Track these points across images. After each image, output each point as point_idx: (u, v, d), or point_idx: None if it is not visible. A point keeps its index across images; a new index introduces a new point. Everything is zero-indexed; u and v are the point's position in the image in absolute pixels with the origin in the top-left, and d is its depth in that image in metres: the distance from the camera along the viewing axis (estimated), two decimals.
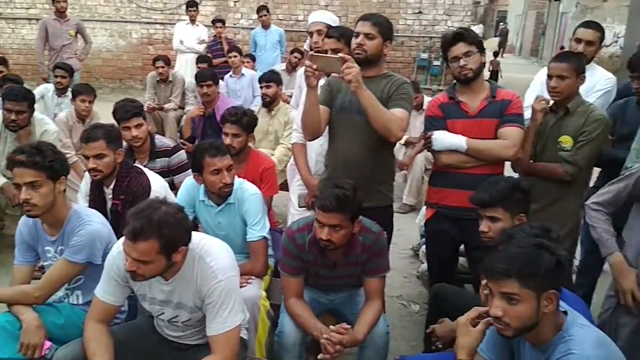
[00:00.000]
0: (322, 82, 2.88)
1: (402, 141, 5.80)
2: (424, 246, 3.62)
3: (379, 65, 2.77)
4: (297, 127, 3.18)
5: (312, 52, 2.56)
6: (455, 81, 2.88)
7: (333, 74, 2.67)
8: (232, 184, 2.73)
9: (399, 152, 5.88)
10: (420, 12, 10.28)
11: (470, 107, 2.79)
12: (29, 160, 2.21)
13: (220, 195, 2.76)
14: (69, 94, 5.43)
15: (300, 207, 3.25)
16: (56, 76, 5.41)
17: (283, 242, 2.53)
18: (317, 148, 3.12)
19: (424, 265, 3.52)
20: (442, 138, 2.80)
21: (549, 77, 2.85)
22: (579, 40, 3.36)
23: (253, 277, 2.74)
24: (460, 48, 2.72)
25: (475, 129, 2.77)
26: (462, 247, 3.01)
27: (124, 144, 3.19)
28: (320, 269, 2.53)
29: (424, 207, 3.34)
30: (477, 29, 34.27)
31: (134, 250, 1.91)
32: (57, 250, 2.40)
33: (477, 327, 1.87)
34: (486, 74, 14.14)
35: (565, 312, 1.76)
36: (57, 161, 2.29)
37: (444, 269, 3.03)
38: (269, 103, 4.85)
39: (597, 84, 3.35)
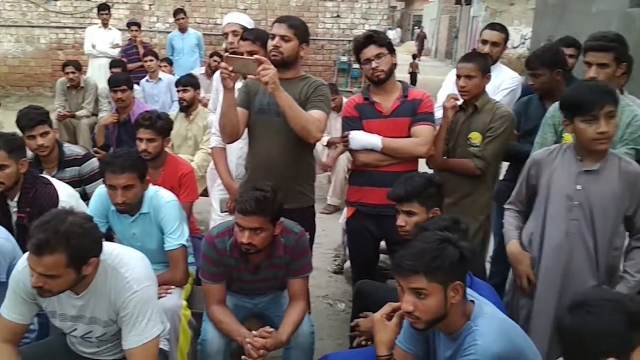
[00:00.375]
0: (239, 84, 2.87)
1: (324, 142, 5.87)
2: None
3: (296, 67, 2.78)
4: (215, 130, 3.13)
5: (227, 53, 2.53)
6: (369, 82, 2.94)
7: (249, 76, 2.65)
8: (125, 204, 2.59)
9: (322, 153, 5.94)
10: (338, 16, 10.46)
11: (384, 107, 2.87)
12: None
13: (119, 211, 2.66)
14: None
15: (222, 212, 3.20)
16: None
17: (203, 248, 2.47)
18: (237, 151, 3.09)
19: (348, 263, 3.56)
20: (359, 138, 2.86)
21: (458, 77, 2.98)
22: (485, 42, 3.54)
23: (173, 286, 2.66)
24: (371, 50, 2.79)
25: (390, 128, 2.85)
26: (383, 243, 3.09)
27: (30, 153, 3.02)
28: (242, 274, 2.50)
29: (345, 209, 3.39)
30: (395, 32, 35.37)
31: (39, 265, 1.79)
32: None
33: (392, 320, 1.92)
34: (406, 75, 14.74)
35: (472, 301, 1.84)
36: None
37: (367, 266, 3.09)
38: (187, 107, 4.75)
39: (503, 83, 3.53)
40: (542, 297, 2.29)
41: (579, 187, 2.21)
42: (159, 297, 2.46)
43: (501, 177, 3.43)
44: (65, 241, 1.79)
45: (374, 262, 3.15)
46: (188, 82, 4.78)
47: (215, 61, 6.77)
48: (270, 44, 2.70)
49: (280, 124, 2.65)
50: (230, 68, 2.46)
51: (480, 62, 2.95)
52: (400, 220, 2.40)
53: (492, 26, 3.65)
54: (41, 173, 2.98)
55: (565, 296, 2.23)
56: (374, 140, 2.83)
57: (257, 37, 2.95)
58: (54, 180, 2.85)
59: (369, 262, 3.11)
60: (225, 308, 2.47)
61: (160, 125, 3.17)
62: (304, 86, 2.75)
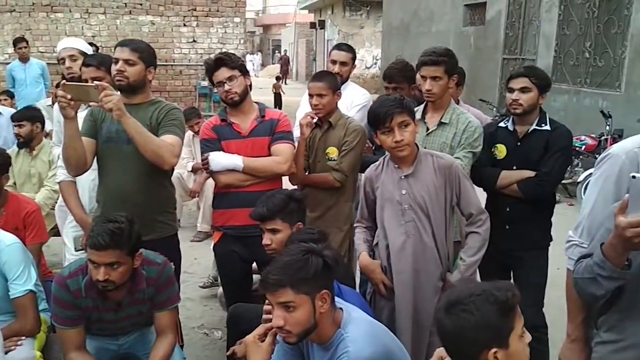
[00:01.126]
0: (84, 112, 2.70)
1: (189, 168, 5.75)
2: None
3: (144, 92, 2.69)
4: (62, 164, 2.92)
5: (64, 81, 2.37)
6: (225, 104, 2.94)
7: (92, 104, 2.50)
8: None
9: (189, 179, 5.80)
10: (194, 41, 10.35)
11: (242, 128, 2.88)
12: None
13: None
14: None
15: (77, 250, 2.98)
16: None
17: (54, 292, 2.26)
18: (89, 183, 2.90)
19: (221, 289, 3.48)
20: (218, 159, 2.83)
21: (310, 95, 3.09)
22: (334, 62, 3.70)
23: (23, 337, 2.41)
24: (223, 73, 2.79)
25: (249, 148, 2.86)
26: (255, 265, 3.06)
27: None
28: (103, 314, 2.33)
29: (214, 232, 3.31)
30: (257, 57, 35.65)
31: None
32: None
33: (265, 341, 1.90)
34: (270, 98, 14.99)
35: (341, 309, 1.88)
36: None
37: (239, 289, 3.04)
38: (26, 143, 4.35)
39: (355, 100, 3.71)
40: (399, 296, 2.41)
41: (403, 191, 2.37)
42: (8, 351, 2.22)
43: None
44: None
45: (246, 286, 3.10)
46: (23, 116, 4.37)
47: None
48: (114, 68, 2.59)
49: (131, 151, 2.54)
50: (69, 96, 2.31)
51: (329, 81, 3.08)
52: (266, 239, 2.40)
53: (339, 47, 3.83)
54: None
55: (419, 291, 2.38)
56: (235, 160, 2.82)
57: (100, 62, 2.82)
58: None
59: (241, 285, 3.05)
60: (86, 353, 2.29)
61: None
62: (154, 111, 2.66)
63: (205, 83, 10.27)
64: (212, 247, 3.09)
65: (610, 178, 1.74)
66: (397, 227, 2.39)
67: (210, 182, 5.46)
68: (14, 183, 4.28)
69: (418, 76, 2.82)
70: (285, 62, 28.89)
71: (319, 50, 26.13)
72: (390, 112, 2.25)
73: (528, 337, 1.41)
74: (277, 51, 37.43)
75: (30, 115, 4.39)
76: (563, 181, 5.95)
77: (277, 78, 18.38)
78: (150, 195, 2.66)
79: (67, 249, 3.11)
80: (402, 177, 2.38)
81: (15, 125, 4.35)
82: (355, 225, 2.67)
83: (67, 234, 3.10)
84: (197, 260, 4.91)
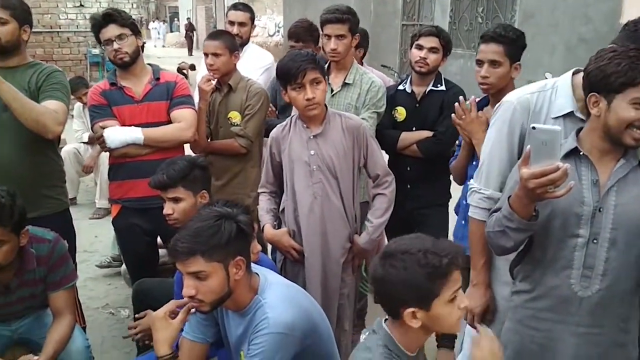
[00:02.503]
0: None
1: (84, 139, 5.38)
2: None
3: (20, 54, 2.46)
4: None
5: None
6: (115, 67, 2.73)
7: None
8: None
9: (86, 153, 5.44)
10: (82, 5, 9.59)
11: (134, 92, 2.71)
12: None
13: None
14: None
15: None
16: None
17: None
18: None
19: (125, 266, 3.31)
20: (115, 135, 2.64)
21: (205, 55, 2.95)
22: (232, 23, 3.57)
23: None
24: (112, 30, 2.60)
25: (144, 113, 2.70)
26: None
27: None
28: None
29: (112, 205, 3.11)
30: (162, 25, 33.85)
31: None
32: None
33: (176, 318, 1.80)
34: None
35: (257, 274, 1.83)
36: None
37: (143, 264, 2.91)
38: None
39: (257, 62, 3.61)
40: (309, 259, 2.38)
41: (312, 152, 2.33)
42: None
43: None
44: None
45: (151, 260, 2.96)
46: None
47: None
48: None
49: (9, 119, 2.32)
50: None
51: (225, 40, 2.96)
52: (167, 209, 2.27)
53: (235, 6, 3.69)
54: None
55: (328, 253, 2.37)
56: (134, 133, 2.64)
57: None
58: None
59: (145, 260, 2.91)
60: None
61: None
62: (33, 74, 2.44)
63: (97, 51, 9.61)
64: (111, 221, 2.91)
65: (504, 124, 1.82)
66: (305, 188, 2.34)
67: (105, 155, 5.16)
68: None
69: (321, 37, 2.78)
70: (190, 30, 27.13)
71: (219, 18, 25.30)
72: (302, 68, 2.17)
73: (463, 301, 1.42)
74: (175, 19, 35.87)
75: None
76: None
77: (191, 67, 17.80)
78: (33, 167, 2.44)
79: None
80: (311, 137, 2.32)
81: None
82: (259, 190, 2.59)
83: None
84: (98, 239, 4.66)
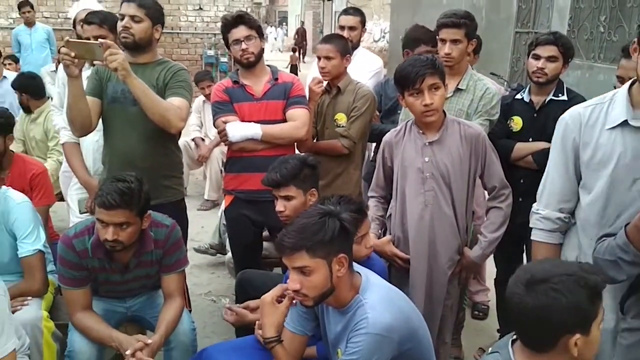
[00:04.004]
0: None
1: (192, 137, 5.65)
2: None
3: (151, 51, 2.62)
4: (65, 125, 2.87)
5: (67, 38, 2.30)
6: (238, 66, 2.86)
7: (97, 62, 2.43)
8: None
9: (195, 149, 5.73)
10: (200, 9, 10.18)
11: (255, 90, 2.81)
12: None
13: None
14: None
15: (82, 213, 2.95)
16: None
17: (59, 252, 2.23)
18: (93, 144, 2.86)
19: (230, 254, 3.46)
20: (237, 129, 2.76)
21: (318, 58, 3.01)
22: (342, 27, 3.63)
23: (30, 297, 2.38)
24: (241, 31, 2.71)
25: (263, 111, 2.79)
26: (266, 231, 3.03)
27: None
28: (110, 275, 2.31)
29: (225, 196, 3.27)
30: (280, 31, 34.84)
31: None
32: None
33: (282, 303, 1.87)
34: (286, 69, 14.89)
35: (359, 273, 1.84)
36: None
37: (248, 255, 3.01)
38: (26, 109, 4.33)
39: (367, 66, 3.63)
40: (414, 267, 2.35)
41: (426, 159, 2.28)
42: (15, 310, 2.20)
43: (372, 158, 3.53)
44: None
45: (256, 251, 3.07)
46: (22, 84, 4.36)
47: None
48: (120, 24, 2.51)
49: (137, 113, 2.48)
50: (73, 54, 2.24)
51: (338, 44, 3.00)
52: (279, 206, 2.33)
53: (346, 11, 3.75)
54: None
55: (435, 263, 2.32)
56: (254, 129, 2.75)
57: (103, 20, 2.75)
58: None
59: (250, 250, 3.02)
60: (93, 313, 2.27)
61: None
62: (162, 71, 2.59)
63: (212, 52, 10.15)
64: (222, 210, 3.04)
65: (557, 142, 1.83)
66: (416, 195, 2.31)
67: (216, 150, 5.43)
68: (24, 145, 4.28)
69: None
70: (301, 35, 25.50)
71: (326, 23, 25.72)
72: (422, 73, 2.14)
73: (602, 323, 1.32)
74: (284, 23, 36.95)
75: (19, 85, 4.34)
76: None
77: (294, 50, 18.18)
78: (156, 158, 2.61)
79: (72, 212, 3.08)
80: (427, 144, 2.28)
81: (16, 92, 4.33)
82: (369, 194, 2.59)
83: (71, 197, 3.07)
84: (204, 229, 4.89)
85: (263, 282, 2.63)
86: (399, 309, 1.78)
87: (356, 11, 3.71)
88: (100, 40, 2.32)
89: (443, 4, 12.72)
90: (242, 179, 2.85)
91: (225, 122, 2.75)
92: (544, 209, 1.85)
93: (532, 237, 1.88)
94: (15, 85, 4.42)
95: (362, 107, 2.95)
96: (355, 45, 3.59)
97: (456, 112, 2.65)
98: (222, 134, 2.79)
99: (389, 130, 2.94)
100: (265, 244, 3.18)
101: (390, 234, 2.46)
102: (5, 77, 5.88)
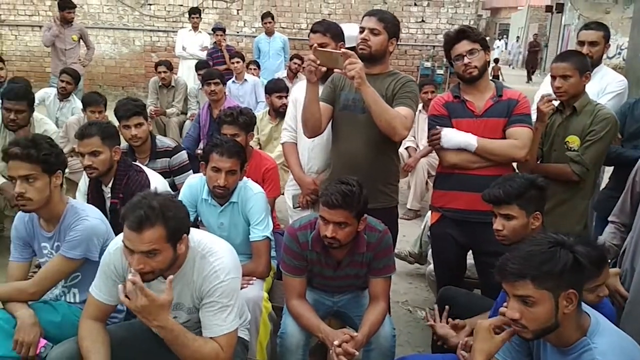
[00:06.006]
0: None
1: (403, 147, 5.73)
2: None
3: (384, 63, 2.72)
4: (287, 126, 3.15)
5: (315, 45, 2.51)
6: (459, 81, 2.82)
7: (336, 70, 2.62)
8: (226, 188, 2.65)
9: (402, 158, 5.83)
10: (423, 21, 10.30)
11: (476, 106, 2.73)
12: (23, 153, 2.14)
13: (217, 195, 2.71)
14: (72, 99, 5.42)
15: (295, 207, 3.17)
16: (62, 81, 5.37)
17: (285, 241, 2.45)
18: (309, 144, 3.04)
19: (431, 266, 3.44)
20: (451, 135, 2.72)
21: (553, 77, 2.81)
22: (581, 43, 3.35)
23: (254, 277, 2.67)
24: (464, 46, 2.67)
25: (482, 128, 2.70)
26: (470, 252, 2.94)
27: (124, 143, 3.13)
28: (324, 269, 2.46)
29: (429, 213, 3.26)
30: (515, 45, 33.78)
31: (140, 242, 1.80)
32: (53, 247, 2.33)
33: (500, 335, 1.76)
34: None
35: (588, 314, 1.68)
36: (53, 154, 2.22)
37: (451, 274, 2.95)
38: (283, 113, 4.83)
39: (609, 86, 3.31)
40: (628, 311, 2.07)
41: None
42: (241, 288, 2.47)
43: (603, 185, 3.20)
44: (162, 214, 1.82)
45: (459, 270, 3.00)
46: (282, 88, 4.86)
47: (295, 64, 6.85)
48: (359, 37, 2.66)
49: (366, 120, 2.60)
50: (318, 62, 2.44)
51: (576, 61, 2.77)
52: (497, 224, 2.24)
53: (587, 26, 3.46)
54: (134, 162, 3.09)
55: None
56: (469, 139, 2.68)
57: (327, 28, 2.89)
58: (146, 169, 2.95)
59: (454, 269, 2.96)
60: (306, 302, 2.44)
61: (243, 120, 3.20)
62: (391, 82, 2.68)
63: (428, 64, 10.21)
64: (426, 222, 3.03)
65: None
66: None
67: (423, 161, 5.44)
68: (258, 140, 4.81)
69: None
70: (534, 49, 22.18)
71: (552, 37, 23.98)
72: None
73: None
74: (504, 36, 35.47)
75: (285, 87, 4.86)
76: None
77: (496, 60, 17.68)
78: (377, 164, 2.70)
79: (288, 207, 3.33)
80: None
81: (277, 96, 4.83)
82: (610, 220, 2.37)
83: (287, 192, 3.31)
84: (405, 238, 4.91)
85: (467, 302, 2.57)
86: None
87: (599, 26, 3.40)
88: (342, 50, 2.49)
89: None
90: (451, 196, 2.80)
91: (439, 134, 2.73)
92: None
93: None
94: (283, 88, 4.92)
95: (600, 132, 2.70)
96: (596, 62, 3.28)
97: None
98: (434, 139, 2.76)
99: (630, 156, 2.64)
100: (468, 263, 3.09)
101: (619, 266, 2.21)
102: (246, 80, 6.69)
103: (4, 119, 3.72)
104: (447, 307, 2.40)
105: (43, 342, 2.14)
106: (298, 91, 3.13)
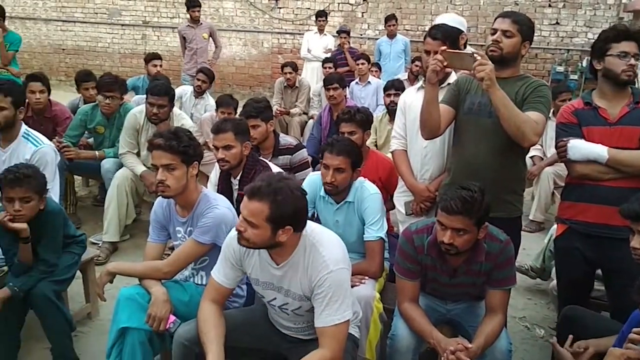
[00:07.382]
0: None
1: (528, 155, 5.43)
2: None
3: (515, 66, 2.61)
4: (396, 134, 3.13)
5: (444, 47, 2.48)
6: (591, 89, 2.63)
7: (464, 71, 2.56)
8: (334, 185, 2.71)
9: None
10: (557, 23, 9.67)
11: (609, 114, 2.54)
12: (165, 144, 2.36)
13: (326, 191, 2.77)
14: (206, 96, 5.85)
15: (407, 214, 3.14)
16: (198, 79, 5.82)
17: (400, 243, 2.45)
18: (421, 151, 3.00)
19: (554, 282, 3.24)
20: (580, 147, 2.55)
21: None
22: None
23: (367, 277, 2.69)
24: (631, 46, 2.48)
25: (615, 137, 2.51)
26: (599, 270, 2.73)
27: None
28: (439, 275, 2.42)
29: (554, 226, 3.07)
30: None
31: (245, 208, 1.96)
32: (186, 231, 2.53)
33: None
34: None
35: None
36: (191, 147, 2.42)
37: (576, 291, 2.76)
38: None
39: None
40: None
41: None
42: (353, 286, 2.51)
43: None
44: (273, 195, 1.93)
45: (584, 288, 2.79)
46: (400, 87, 4.86)
47: (416, 66, 6.78)
48: (490, 38, 2.58)
49: (492, 125, 2.51)
50: (446, 63, 2.41)
51: None
52: (635, 242, 2.07)
53: None
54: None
55: None
56: (599, 150, 2.50)
57: (446, 35, 2.82)
58: (271, 165, 3.09)
59: (578, 287, 2.76)
60: (418, 307, 2.42)
61: (360, 118, 3.24)
62: (522, 86, 2.56)
63: (561, 69, 9.57)
64: (550, 235, 2.86)
65: None
66: None
67: (549, 170, 5.10)
68: (375, 141, 4.85)
69: None
70: None
71: None
72: None
73: None
74: None
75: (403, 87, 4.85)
76: None
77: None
78: (502, 171, 2.60)
79: (398, 213, 3.29)
80: None
81: (392, 94, 4.89)
82: None
83: (398, 200, 3.26)
84: (526, 251, 4.66)
85: (594, 324, 2.40)
86: None
87: None
88: (473, 51, 2.43)
89: None
90: (580, 208, 2.62)
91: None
92: None
93: None
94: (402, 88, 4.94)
95: None
96: None
97: None
98: (561, 151, 2.61)
99: None
100: (596, 284, 2.87)
101: None
102: (369, 82, 6.75)
103: (148, 112, 4.09)
104: (570, 336, 2.26)
105: (172, 318, 2.33)
106: (406, 97, 3.11)
